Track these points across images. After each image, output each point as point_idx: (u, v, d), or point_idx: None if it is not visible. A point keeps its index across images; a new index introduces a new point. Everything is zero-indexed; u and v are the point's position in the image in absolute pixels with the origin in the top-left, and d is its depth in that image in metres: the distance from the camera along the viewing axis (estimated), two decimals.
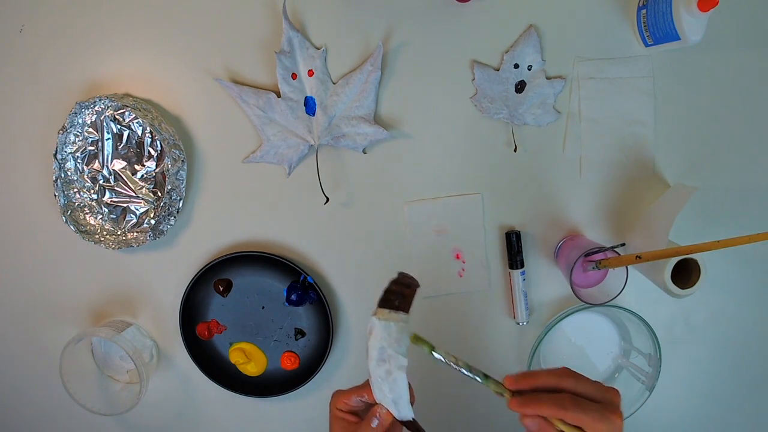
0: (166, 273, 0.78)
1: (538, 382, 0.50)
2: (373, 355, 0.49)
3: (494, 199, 0.75)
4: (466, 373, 0.51)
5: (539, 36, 0.71)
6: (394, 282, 0.51)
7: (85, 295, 0.79)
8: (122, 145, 0.74)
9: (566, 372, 0.50)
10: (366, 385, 0.53)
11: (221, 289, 0.77)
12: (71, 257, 0.78)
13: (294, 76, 0.71)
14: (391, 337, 0.49)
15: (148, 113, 0.71)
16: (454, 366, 0.51)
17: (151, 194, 0.75)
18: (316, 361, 0.77)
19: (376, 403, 0.52)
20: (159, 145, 0.73)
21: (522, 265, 0.75)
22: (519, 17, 0.71)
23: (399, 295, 0.50)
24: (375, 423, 0.52)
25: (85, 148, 0.74)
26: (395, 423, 0.54)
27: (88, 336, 0.75)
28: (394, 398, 0.50)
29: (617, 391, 0.50)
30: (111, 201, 0.76)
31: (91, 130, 0.73)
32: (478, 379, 0.51)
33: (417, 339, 0.51)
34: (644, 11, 0.68)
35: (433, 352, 0.51)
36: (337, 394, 0.55)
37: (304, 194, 0.75)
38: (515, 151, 0.74)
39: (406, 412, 0.51)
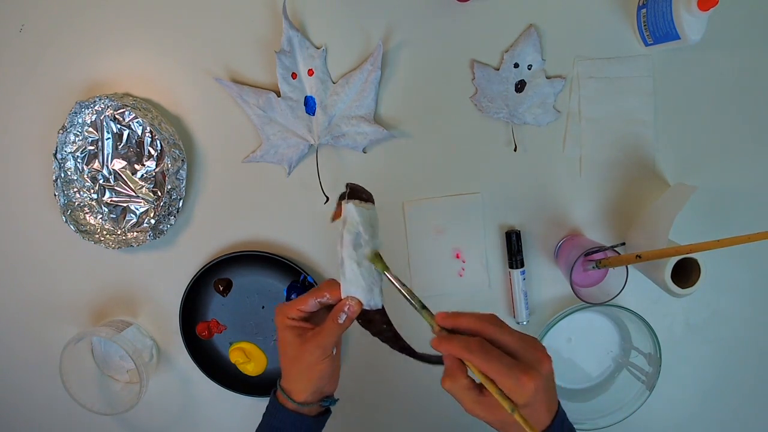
0: (166, 273, 0.78)
1: (462, 323, 0.48)
2: (348, 240, 0.50)
3: (494, 199, 0.75)
4: (407, 297, 0.51)
5: (539, 36, 0.71)
6: (351, 184, 0.52)
7: (85, 295, 0.79)
8: (122, 144, 0.74)
9: (490, 318, 0.48)
10: (322, 287, 0.53)
11: (221, 289, 0.77)
12: (71, 257, 0.78)
13: (294, 75, 0.71)
14: (366, 222, 0.50)
15: (148, 113, 0.71)
16: (398, 288, 0.51)
17: (151, 194, 0.75)
18: None
19: (341, 300, 0.52)
20: (159, 145, 0.73)
21: (522, 265, 0.75)
22: (519, 17, 0.71)
23: (363, 191, 0.52)
24: (343, 318, 0.51)
25: (85, 148, 0.74)
26: (339, 339, 0.54)
27: (88, 336, 0.75)
28: (369, 284, 0.50)
29: (546, 356, 0.46)
30: (111, 201, 0.76)
31: (91, 129, 0.73)
32: (415, 306, 0.51)
33: (376, 256, 0.51)
34: (644, 11, 0.68)
35: (385, 273, 0.51)
36: (285, 305, 0.54)
37: (304, 194, 0.75)
38: (515, 150, 0.74)
39: (378, 299, 0.51)
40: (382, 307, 0.52)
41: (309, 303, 0.53)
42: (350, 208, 0.50)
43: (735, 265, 0.77)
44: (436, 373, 0.49)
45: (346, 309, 0.51)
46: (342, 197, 0.52)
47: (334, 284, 0.53)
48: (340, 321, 0.51)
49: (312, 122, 0.73)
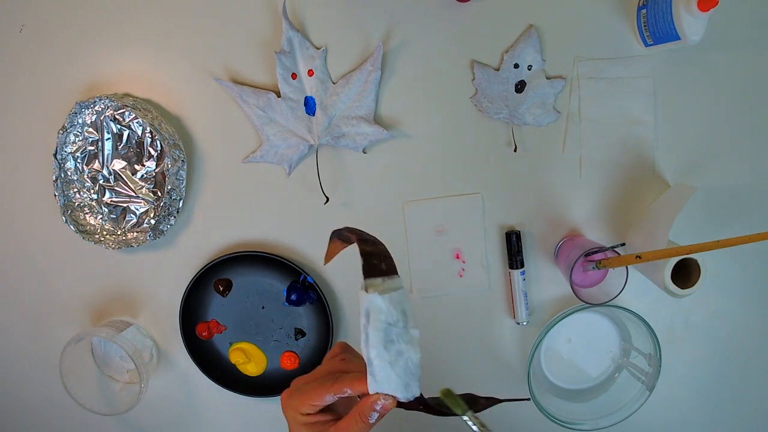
0: (166, 273, 0.78)
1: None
2: (378, 338, 0.40)
3: (494, 199, 0.75)
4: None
5: (539, 36, 0.71)
6: (360, 242, 0.42)
7: (85, 295, 0.79)
8: (122, 145, 0.74)
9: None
10: (344, 381, 0.44)
11: (221, 289, 0.77)
12: (71, 257, 0.78)
13: (294, 76, 0.71)
14: (396, 311, 0.40)
15: (148, 113, 0.71)
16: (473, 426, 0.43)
17: (151, 194, 0.75)
18: (316, 361, 0.77)
19: (368, 394, 0.43)
20: (159, 145, 0.73)
21: (522, 265, 0.75)
22: (519, 17, 0.71)
23: (379, 256, 0.41)
24: (374, 417, 0.43)
25: (85, 148, 0.74)
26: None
27: (88, 336, 0.75)
28: (406, 381, 0.41)
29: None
30: (111, 201, 0.76)
31: (91, 130, 0.73)
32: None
33: (449, 395, 0.43)
34: (644, 11, 0.68)
35: (466, 416, 0.43)
36: (295, 399, 0.46)
37: (304, 194, 0.75)
38: (515, 151, 0.74)
39: (416, 389, 0.42)
40: (420, 394, 0.43)
41: (324, 398, 0.45)
42: (373, 300, 0.40)
43: (735, 265, 0.77)
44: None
45: (378, 407, 0.42)
46: (339, 236, 0.43)
47: (357, 377, 0.44)
48: (371, 420, 0.43)
49: (312, 122, 0.73)
